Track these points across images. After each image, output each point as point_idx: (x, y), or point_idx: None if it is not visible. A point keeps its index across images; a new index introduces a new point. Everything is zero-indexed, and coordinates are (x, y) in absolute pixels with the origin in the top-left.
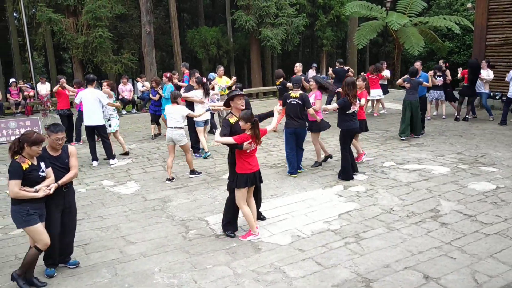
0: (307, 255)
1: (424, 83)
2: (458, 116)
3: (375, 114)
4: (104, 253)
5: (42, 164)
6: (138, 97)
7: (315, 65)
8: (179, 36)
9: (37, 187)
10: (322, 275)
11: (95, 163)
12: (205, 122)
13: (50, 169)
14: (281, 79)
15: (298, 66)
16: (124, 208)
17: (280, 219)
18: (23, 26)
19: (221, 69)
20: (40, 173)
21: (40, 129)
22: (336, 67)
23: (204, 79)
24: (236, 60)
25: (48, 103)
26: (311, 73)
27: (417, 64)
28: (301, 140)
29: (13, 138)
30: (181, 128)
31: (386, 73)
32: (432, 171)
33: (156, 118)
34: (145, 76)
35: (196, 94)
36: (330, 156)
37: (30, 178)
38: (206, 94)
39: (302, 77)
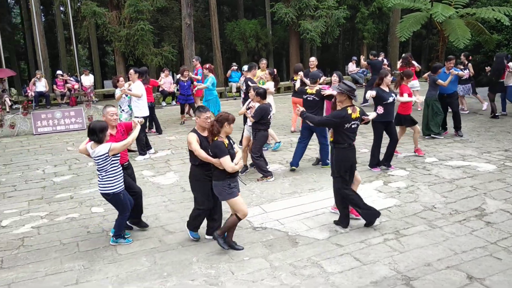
0: (345, 251)
1: (439, 81)
2: (497, 114)
3: (419, 109)
4: (143, 241)
5: (231, 141)
6: (177, 90)
7: (355, 58)
8: (219, 29)
9: (235, 161)
10: (360, 271)
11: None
12: None
13: (235, 146)
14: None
15: (314, 61)
16: (163, 198)
17: (317, 213)
18: (69, 20)
19: (263, 62)
20: (232, 150)
21: (83, 119)
22: (371, 59)
23: (274, 71)
24: (275, 53)
25: (92, 94)
26: (351, 66)
27: (462, 58)
28: (319, 135)
29: (58, 128)
30: None
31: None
32: (477, 168)
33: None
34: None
35: (270, 86)
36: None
37: (230, 154)
38: (276, 85)
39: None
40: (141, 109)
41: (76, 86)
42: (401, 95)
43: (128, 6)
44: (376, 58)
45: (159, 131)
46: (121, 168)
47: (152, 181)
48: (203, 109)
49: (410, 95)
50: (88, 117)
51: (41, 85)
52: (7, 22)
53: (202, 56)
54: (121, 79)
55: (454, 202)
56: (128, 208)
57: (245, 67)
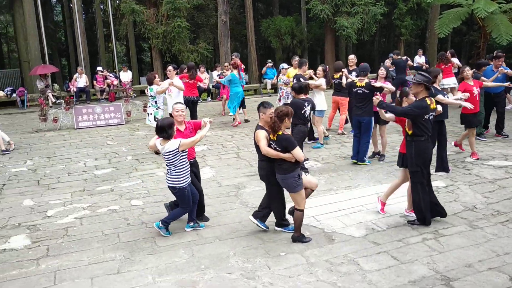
0: (382, 249)
1: (483, 78)
2: None
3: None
4: (181, 234)
5: None
6: (213, 86)
7: (392, 55)
8: (254, 25)
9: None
10: (398, 270)
11: None
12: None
13: None
14: (341, 73)
15: (353, 59)
16: None
17: (354, 211)
18: (109, 17)
19: (295, 59)
20: None
21: (122, 114)
22: (394, 58)
23: (327, 68)
24: (309, 49)
25: (130, 90)
26: (388, 63)
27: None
28: (365, 129)
29: (98, 122)
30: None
31: (455, 60)
32: None
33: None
34: (220, 65)
35: (323, 82)
36: (378, 153)
37: None
38: (328, 82)
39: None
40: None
41: (115, 82)
42: (462, 92)
43: (166, 4)
44: (399, 57)
45: None
46: (188, 164)
47: None
48: (267, 105)
49: (470, 91)
50: (126, 112)
51: (82, 81)
52: (50, 20)
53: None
54: (157, 76)
55: (496, 203)
56: (190, 204)
57: (284, 65)
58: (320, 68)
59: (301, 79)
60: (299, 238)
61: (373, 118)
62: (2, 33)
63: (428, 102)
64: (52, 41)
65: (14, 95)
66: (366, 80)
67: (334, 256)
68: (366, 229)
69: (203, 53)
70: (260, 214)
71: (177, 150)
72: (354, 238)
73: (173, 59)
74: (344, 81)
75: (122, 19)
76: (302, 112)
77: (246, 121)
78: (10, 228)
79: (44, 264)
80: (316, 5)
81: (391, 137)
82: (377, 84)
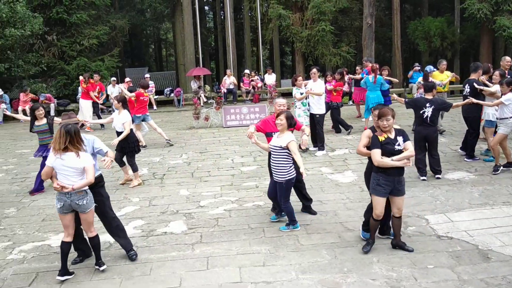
0: None
1: None
2: None
3: None
4: (323, 235)
5: (400, 138)
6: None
7: None
8: (400, 28)
9: (394, 157)
10: None
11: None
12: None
13: (407, 143)
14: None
15: (510, 61)
16: (341, 196)
17: None
18: (257, 22)
19: (443, 63)
20: (396, 146)
21: (266, 115)
22: None
23: (506, 72)
24: (461, 52)
25: (274, 92)
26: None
27: None
28: None
29: (244, 122)
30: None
31: None
32: None
33: None
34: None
35: (498, 89)
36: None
37: (385, 149)
38: None
39: None
40: (319, 107)
41: (259, 84)
42: None
43: (312, 8)
44: None
45: (337, 130)
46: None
47: (331, 178)
48: (375, 108)
49: None
50: (270, 113)
51: (230, 83)
52: (204, 27)
53: (378, 57)
54: (299, 78)
55: None
56: None
57: (429, 68)
58: (496, 72)
59: (475, 84)
60: (398, 244)
61: None
62: (162, 39)
63: None
64: (204, 46)
65: (172, 94)
66: None
67: (491, 276)
68: None
69: (346, 56)
70: (383, 228)
71: None
72: None
73: (315, 62)
74: None
75: (269, 24)
76: (421, 112)
77: None
78: (169, 214)
79: (198, 249)
80: (473, 4)
81: None
82: None
